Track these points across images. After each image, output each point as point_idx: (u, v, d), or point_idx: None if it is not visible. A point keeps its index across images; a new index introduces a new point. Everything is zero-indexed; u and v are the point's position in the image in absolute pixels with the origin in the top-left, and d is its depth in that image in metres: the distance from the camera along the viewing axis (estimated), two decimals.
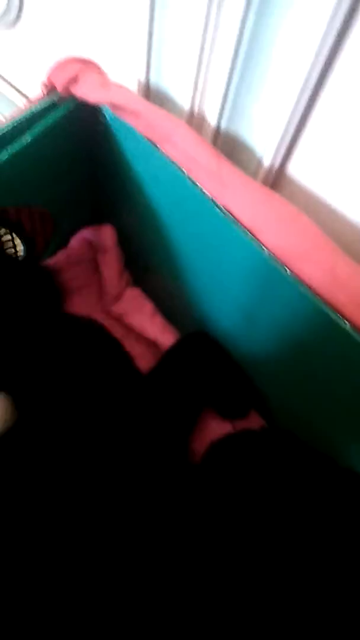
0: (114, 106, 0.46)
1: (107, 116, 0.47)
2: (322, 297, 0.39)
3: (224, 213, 0.42)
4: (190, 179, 0.43)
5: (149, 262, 0.62)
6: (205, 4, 0.43)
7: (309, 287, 0.39)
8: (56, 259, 0.65)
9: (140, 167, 0.49)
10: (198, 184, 0.43)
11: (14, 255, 0.58)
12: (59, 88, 0.47)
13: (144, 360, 0.62)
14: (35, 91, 0.48)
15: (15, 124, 0.46)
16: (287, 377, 0.52)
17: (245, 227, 0.41)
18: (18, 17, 0.67)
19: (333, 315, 0.38)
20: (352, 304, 0.38)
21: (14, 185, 0.48)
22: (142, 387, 0.58)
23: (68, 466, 0.47)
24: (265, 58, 0.43)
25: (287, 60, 0.41)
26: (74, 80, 0.46)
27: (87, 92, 0.46)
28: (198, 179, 0.43)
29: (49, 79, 0.47)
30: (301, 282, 0.39)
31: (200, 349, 0.60)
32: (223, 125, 0.50)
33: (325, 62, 0.39)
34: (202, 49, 0.46)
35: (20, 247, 0.58)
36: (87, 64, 0.48)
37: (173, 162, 0.44)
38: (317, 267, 0.39)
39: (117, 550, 0.44)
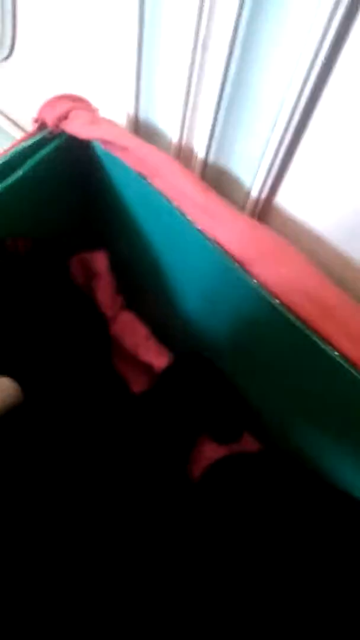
0: (104, 141, 0.47)
1: (97, 151, 0.49)
2: (314, 328, 0.39)
3: (213, 245, 0.43)
4: (179, 211, 0.44)
5: (141, 286, 0.63)
6: (192, 41, 0.44)
7: (299, 319, 0.40)
8: None
9: (131, 198, 0.50)
10: (187, 216, 0.44)
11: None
12: (50, 124, 0.48)
13: (138, 384, 0.62)
14: (28, 123, 0.50)
15: (7, 159, 0.48)
16: (279, 397, 0.53)
17: (234, 259, 0.42)
18: (11, 51, 0.68)
19: (321, 345, 0.39)
20: (343, 334, 0.39)
21: (8, 217, 0.49)
22: (137, 408, 0.58)
23: (65, 478, 0.48)
24: (252, 92, 0.44)
25: (273, 93, 0.42)
26: (64, 117, 0.48)
27: (77, 128, 0.47)
28: (187, 211, 0.44)
29: (40, 115, 0.48)
30: (290, 313, 0.40)
31: (195, 369, 0.61)
32: (211, 157, 0.51)
33: (310, 96, 0.40)
34: (189, 84, 0.48)
35: None
36: (77, 101, 0.50)
37: (162, 195, 0.45)
38: (307, 298, 0.40)
39: (114, 564, 0.44)
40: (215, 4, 0.41)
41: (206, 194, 0.43)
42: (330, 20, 0.34)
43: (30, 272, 0.55)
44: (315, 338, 0.39)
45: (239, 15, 0.40)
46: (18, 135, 0.53)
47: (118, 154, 0.47)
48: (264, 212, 0.50)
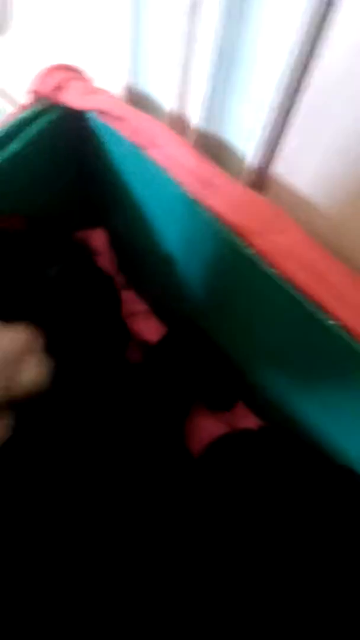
0: (100, 112, 0.47)
1: (92, 122, 0.48)
2: (309, 296, 0.39)
3: (208, 214, 0.42)
4: (175, 180, 0.44)
5: (140, 262, 0.62)
6: (185, 7, 0.43)
7: (293, 285, 0.40)
8: None
9: (127, 170, 0.50)
10: (183, 186, 0.43)
11: None
12: (45, 95, 0.47)
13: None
14: (24, 98, 0.49)
15: (2, 133, 0.47)
16: (276, 370, 0.52)
17: (230, 228, 0.42)
18: (7, 24, 0.68)
19: (317, 314, 0.39)
20: (338, 303, 0.39)
21: (3, 191, 0.49)
22: (132, 377, 0.59)
23: (67, 460, 0.48)
24: (246, 58, 0.43)
25: (268, 59, 0.42)
26: (59, 88, 0.47)
27: (73, 99, 0.47)
28: (183, 180, 0.44)
29: (35, 86, 0.48)
30: (284, 280, 0.40)
31: (188, 338, 0.61)
32: (206, 127, 0.50)
33: (305, 60, 0.39)
34: (184, 52, 0.47)
35: None
36: (71, 71, 0.49)
37: (158, 165, 0.45)
38: (302, 267, 0.40)
39: (116, 543, 0.45)
40: None
41: (202, 163, 0.43)
42: None
43: (27, 252, 0.54)
44: (311, 307, 0.39)
45: None
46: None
47: (114, 125, 0.46)
48: (259, 181, 0.49)
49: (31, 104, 0.48)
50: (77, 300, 0.54)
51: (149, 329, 0.67)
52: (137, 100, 0.56)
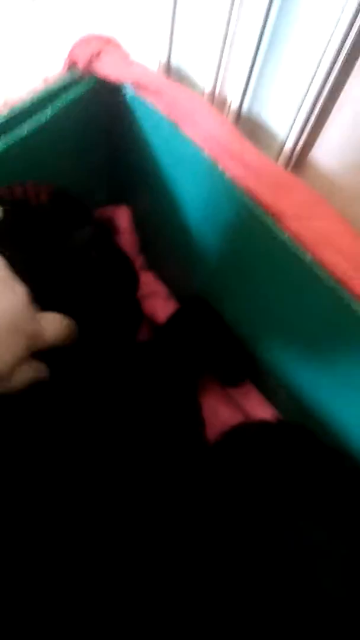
0: (136, 84, 0.45)
1: (127, 94, 0.47)
2: (345, 283, 0.38)
3: (244, 195, 0.41)
4: (211, 159, 0.42)
5: (164, 244, 0.61)
6: None
7: (332, 276, 0.38)
8: None
9: (160, 146, 0.48)
10: (219, 165, 0.42)
11: None
12: (81, 64, 0.46)
13: None
14: (54, 69, 0.48)
15: (35, 101, 0.46)
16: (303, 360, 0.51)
17: (266, 211, 0.40)
18: None
19: (355, 304, 0.38)
20: None
21: (31, 162, 0.48)
22: (141, 354, 0.58)
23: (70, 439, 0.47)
24: (291, 38, 0.42)
25: (314, 41, 0.40)
26: (96, 56, 0.46)
27: (109, 69, 0.46)
28: (219, 160, 0.42)
29: (70, 55, 0.47)
30: (322, 268, 0.39)
31: (199, 315, 0.60)
32: (245, 107, 0.49)
33: (352, 42, 0.38)
34: (226, 28, 0.46)
35: None
36: (109, 41, 0.48)
37: (194, 142, 0.43)
38: (341, 254, 0.38)
39: (121, 527, 0.44)
40: None
41: (241, 142, 0.41)
42: None
43: (48, 226, 0.53)
44: (348, 297, 0.38)
45: None
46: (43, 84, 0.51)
47: (149, 98, 0.45)
48: (297, 165, 0.48)
49: (66, 71, 0.47)
50: (95, 279, 0.53)
51: (167, 311, 0.66)
52: (174, 76, 0.55)
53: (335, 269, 0.38)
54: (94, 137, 0.52)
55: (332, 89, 0.42)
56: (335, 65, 0.40)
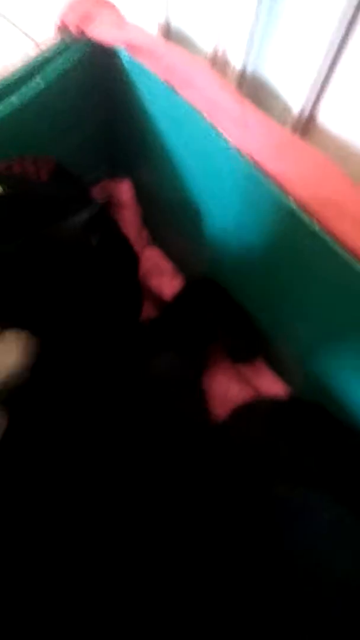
0: (131, 47, 0.43)
1: (123, 59, 0.44)
2: (351, 250, 0.36)
3: (248, 161, 0.39)
4: (212, 125, 0.40)
5: (166, 216, 0.59)
6: None
7: (341, 245, 0.36)
8: None
9: (159, 113, 0.46)
10: (220, 130, 0.40)
11: None
12: (72, 28, 0.44)
13: None
14: (44, 34, 0.46)
15: (27, 69, 0.44)
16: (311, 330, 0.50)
17: (270, 175, 0.38)
18: None
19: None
20: None
21: (25, 134, 0.46)
22: (150, 329, 0.58)
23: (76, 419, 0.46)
24: None
25: None
26: (88, 19, 0.43)
27: (103, 32, 0.43)
28: (220, 125, 0.40)
29: (61, 19, 0.44)
30: (329, 234, 0.36)
31: (208, 291, 0.59)
32: (249, 69, 0.47)
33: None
34: None
35: None
36: (101, 3, 0.45)
37: (194, 108, 0.41)
38: (351, 222, 0.36)
39: (123, 514, 0.43)
40: None
41: (243, 105, 0.39)
42: None
43: (53, 201, 0.52)
44: (357, 266, 0.36)
45: None
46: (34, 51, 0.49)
47: (146, 62, 0.43)
48: (305, 130, 0.46)
49: (56, 38, 0.45)
50: (94, 268, 0.52)
51: (174, 288, 0.65)
52: (173, 39, 0.52)
53: (346, 238, 0.36)
54: (89, 104, 0.49)
55: (339, 45, 0.39)
56: (343, 19, 0.37)
